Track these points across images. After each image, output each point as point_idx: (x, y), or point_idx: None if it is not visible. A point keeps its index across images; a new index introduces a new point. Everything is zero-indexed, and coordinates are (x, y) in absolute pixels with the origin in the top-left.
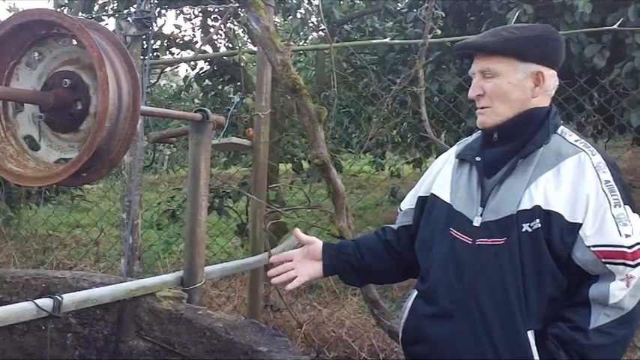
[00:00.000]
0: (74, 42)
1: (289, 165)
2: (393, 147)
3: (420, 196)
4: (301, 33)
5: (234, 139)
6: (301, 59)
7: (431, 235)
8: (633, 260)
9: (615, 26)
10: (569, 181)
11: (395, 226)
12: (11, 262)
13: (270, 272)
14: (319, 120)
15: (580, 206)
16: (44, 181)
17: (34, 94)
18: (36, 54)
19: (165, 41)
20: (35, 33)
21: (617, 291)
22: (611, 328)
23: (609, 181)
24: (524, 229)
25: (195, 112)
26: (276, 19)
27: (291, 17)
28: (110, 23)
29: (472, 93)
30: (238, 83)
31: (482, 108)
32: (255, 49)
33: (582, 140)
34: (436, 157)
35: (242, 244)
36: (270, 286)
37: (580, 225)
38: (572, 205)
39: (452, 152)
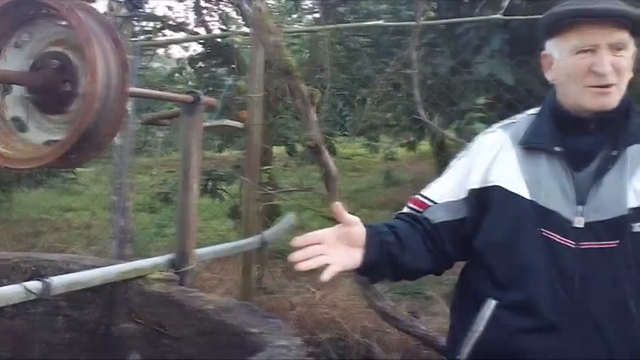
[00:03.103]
0: (63, 22)
1: (283, 148)
2: (386, 130)
3: (473, 189)
4: (295, 15)
5: (227, 122)
6: (296, 42)
7: (509, 235)
8: None
9: None
10: None
11: (434, 221)
12: (2, 245)
13: (296, 255)
14: (312, 102)
15: None
16: (32, 163)
17: (22, 75)
18: (25, 35)
19: (158, 23)
20: (24, 13)
21: None
22: None
23: None
24: (636, 230)
25: (186, 94)
26: (270, 1)
27: None
28: (101, 4)
29: (605, 68)
30: (232, 66)
31: (607, 86)
32: (248, 30)
33: None
34: (430, 140)
35: (235, 227)
36: (263, 268)
37: None
38: None
39: (502, 138)
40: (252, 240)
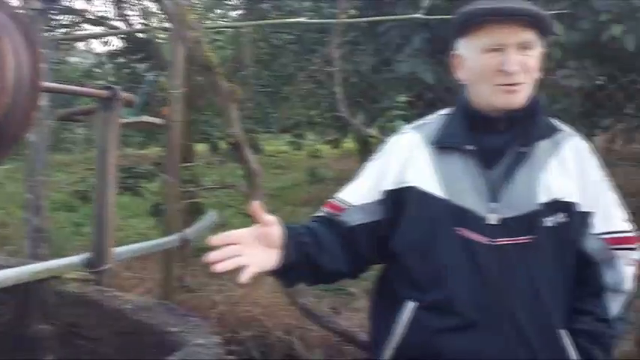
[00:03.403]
0: None
1: (206, 145)
2: (311, 127)
3: (388, 190)
4: (219, 11)
5: (146, 118)
6: (219, 38)
7: (425, 235)
8: (635, 244)
9: None
10: (573, 168)
11: (350, 223)
12: None
13: (213, 256)
14: (232, 99)
15: (589, 193)
16: None
17: None
18: None
19: (76, 16)
20: None
21: (630, 276)
22: (623, 314)
23: (599, 166)
24: (547, 224)
25: (103, 89)
26: None
27: None
28: None
29: (512, 67)
30: (153, 61)
31: (515, 85)
32: (169, 26)
33: (563, 124)
34: (353, 138)
35: (156, 225)
36: (185, 267)
37: (591, 213)
38: (583, 193)
39: (414, 139)
40: (173, 238)
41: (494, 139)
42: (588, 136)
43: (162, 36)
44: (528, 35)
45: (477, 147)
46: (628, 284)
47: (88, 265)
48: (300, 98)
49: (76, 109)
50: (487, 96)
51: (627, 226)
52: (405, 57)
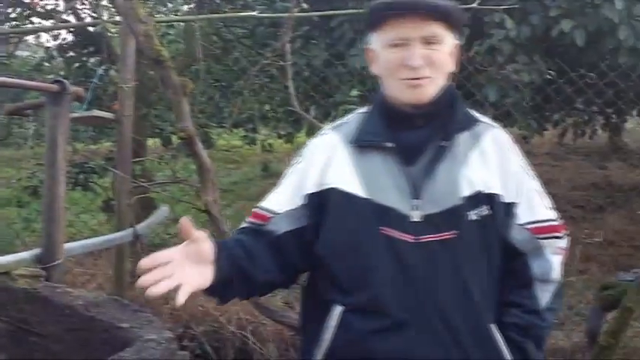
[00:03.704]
0: None
1: (159, 139)
2: (264, 121)
3: (310, 194)
4: (170, 5)
5: (96, 112)
6: (171, 32)
7: (349, 236)
8: (561, 232)
9: (475, 4)
10: (494, 160)
11: (277, 232)
12: None
13: (144, 280)
14: (184, 93)
15: (511, 184)
16: None
17: None
18: None
19: (25, 9)
20: None
21: (557, 265)
22: (554, 304)
23: (520, 155)
24: (471, 218)
25: (52, 82)
26: None
27: None
28: None
29: (415, 61)
30: (104, 55)
31: (419, 79)
32: (119, 19)
33: (482, 116)
34: (307, 132)
35: (108, 221)
36: (137, 262)
37: (515, 204)
38: (505, 184)
39: (334, 140)
40: (124, 233)
41: (413, 134)
42: (539, 130)
43: (112, 30)
44: (433, 29)
45: (396, 144)
46: (556, 273)
47: (39, 260)
48: (253, 92)
49: (25, 104)
50: (394, 90)
51: (552, 214)
52: (358, 51)
